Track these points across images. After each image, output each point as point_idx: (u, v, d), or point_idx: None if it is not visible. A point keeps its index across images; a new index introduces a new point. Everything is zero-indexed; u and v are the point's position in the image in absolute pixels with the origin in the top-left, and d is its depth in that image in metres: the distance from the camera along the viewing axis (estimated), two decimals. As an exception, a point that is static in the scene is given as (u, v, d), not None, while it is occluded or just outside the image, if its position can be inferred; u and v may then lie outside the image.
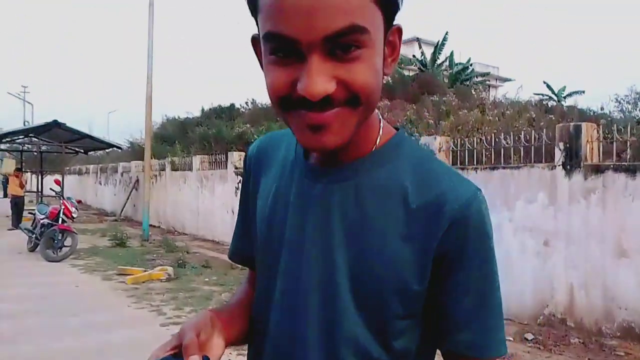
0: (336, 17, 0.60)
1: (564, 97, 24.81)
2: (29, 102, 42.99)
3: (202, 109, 23.27)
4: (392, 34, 0.70)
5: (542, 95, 24.07)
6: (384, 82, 0.74)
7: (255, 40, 0.72)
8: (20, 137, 17.72)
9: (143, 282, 7.32)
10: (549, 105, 18.57)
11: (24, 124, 32.56)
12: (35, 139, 17.82)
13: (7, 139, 17.58)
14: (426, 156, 0.77)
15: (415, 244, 0.71)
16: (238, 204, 0.96)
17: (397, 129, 0.80)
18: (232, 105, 22.12)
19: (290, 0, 0.59)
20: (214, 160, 12.77)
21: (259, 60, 0.72)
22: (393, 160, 0.75)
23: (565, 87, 25.68)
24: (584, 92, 25.63)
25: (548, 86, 25.27)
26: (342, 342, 0.72)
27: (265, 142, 0.90)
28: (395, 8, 0.68)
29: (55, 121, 14.75)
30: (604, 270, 4.92)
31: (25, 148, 20.02)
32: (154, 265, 8.45)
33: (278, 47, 0.63)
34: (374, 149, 0.75)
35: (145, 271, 7.80)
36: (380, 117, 0.78)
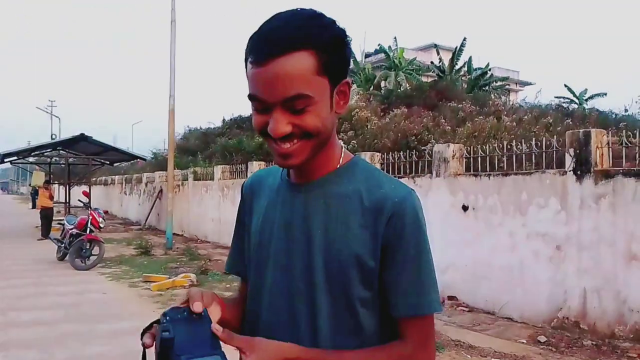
0: (287, 89, 0.89)
1: (586, 100, 24.56)
2: (56, 116, 44.32)
3: (224, 120, 23.69)
4: (342, 85, 0.98)
5: (563, 98, 23.88)
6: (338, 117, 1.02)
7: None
8: (49, 150, 18.32)
9: (167, 289, 7.59)
10: (570, 109, 18.45)
11: (52, 137, 33.46)
12: (63, 152, 18.42)
13: (36, 152, 18.20)
14: (375, 170, 1.07)
15: (369, 230, 0.97)
16: (235, 225, 1.19)
17: (355, 155, 1.10)
18: (252, 115, 22.41)
19: (260, 75, 0.91)
20: (235, 170, 13.07)
21: None
22: (350, 175, 1.03)
23: (586, 89, 25.46)
24: (605, 94, 25.35)
25: (569, 89, 25.06)
26: (320, 312, 0.97)
27: (257, 176, 1.20)
28: (339, 74, 0.95)
29: (82, 135, 15.26)
30: (616, 274, 4.99)
31: (53, 161, 20.64)
32: (178, 272, 8.73)
33: (256, 104, 0.94)
34: (337, 167, 1.04)
35: (169, 278, 8.08)
36: (343, 146, 1.07)
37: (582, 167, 5.34)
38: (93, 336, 5.31)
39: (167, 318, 0.87)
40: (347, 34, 0.96)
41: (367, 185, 1.01)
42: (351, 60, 1.01)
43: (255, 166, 11.65)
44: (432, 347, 1.00)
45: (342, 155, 1.05)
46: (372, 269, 0.97)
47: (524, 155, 6.26)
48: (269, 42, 0.89)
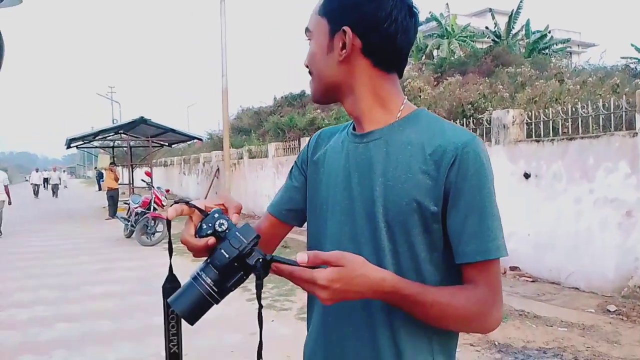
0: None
1: (656, 59, 22.95)
2: (116, 101, 45.91)
3: (275, 98, 23.85)
4: (340, 33, 1.02)
5: (630, 58, 22.41)
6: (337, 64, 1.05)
7: None
8: (111, 134, 19.04)
9: (228, 263, 7.80)
10: (638, 69, 17.32)
11: (113, 122, 34.79)
12: (125, 135, 19.06)
13: (100, 137, 18.97)
14: (438, 119, 1.06)
15: (431, 175, 0.97)
16: (290, 172, 1.25)
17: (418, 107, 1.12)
18: (303, 92, 22.49)
19: None
20: (288, 147, 13.18)
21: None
22: (413, 124, 1.04)
23: (656, 48, 23.75)
24: (678, 51, 23.56)
25: (637, 49, 23.44)
26: (385, 257, 0.99)
27: (325, 130, 1.26)
28: (336, 17, 1.02)
29: (141, 118, 15.72)
30: (694, 239, 4.69)
31: (116, 144, 21.48)
32: (237, 248, 8.94)
33: None
34: (396, 119, 1.05)
35: (229, 253, 8.29)
36: (406, 100, 1.08)
37: (655, 128, 5.01)
38: (160, 308, 5.52)
39: (216, 215, 0.94)
40: None
41: (430, 133, 1.01)
42: (364, 11, 1.00)
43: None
44: (501, 292, 0.99)
45: (403, 107, 1.07)
46: (434, 213, 0.97)
47: (590, 117, 5.94)
48: None
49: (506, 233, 0.99)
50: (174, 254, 1.04)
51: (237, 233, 0.90)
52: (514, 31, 21.99)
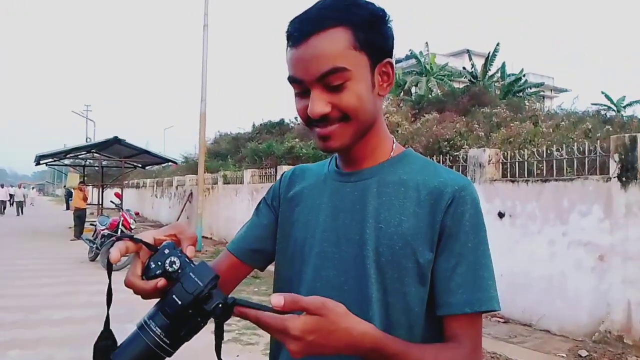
0: (323, 63, 0.87)
1: (624, 107, 23.84)
2: (91, 120, 45.28)
3: (254, 125, 23.88)
4: (384, 65, 0.94)
5: (600, 105, 23.22)
6: (385, 100, 1.01)
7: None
8: (83, 152, 18.67)
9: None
10: (607, 116, 17.90)
11: (87, 140, 34.22)
12: (97, 155, 18.71)
13: (72, 155, 18.58)
14: (430, 161, 1.02)
15: (426, 219, 0.90)
16: (256, 209, 1.14)
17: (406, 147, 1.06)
18: (282, 120, 22.57)
19: (296, 55, 0.89)
20: (264, 174, 13.08)
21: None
22: (405, 164, 0.98)
23: (624, 97, 24.70)
24: (645, 101, 24.51)
25: (606, 96, 24.34)
26: (371, 307, 0.89)
27: (301, 167, 1.16)
28: (379, 51, 0.92)
29: (115, 138, 15.49)
30: (664, 286, 4.73)
31: (87, 163, 21.07)
32: (207, 275, 8.71)
33: (296, 86, 0.92)
34: (388, 158, 0.99)
35: (198, 281, 8.05)
36: (394, 139, 1.03)
37: (628, 174, 5.09)
38: (123, 335, 5.27)
39: (167, 251, 0.81)
40: (387, 12, 0.93)
41: (424, 174, 0.96)
42: (394, 42, 0.96)
43: (284, 170, 11.61)
44: (481, 348, 0.92)
45: (394, 146, 1.02)
46: (429, 261, 0.90)
47: (564, 161, 6.03)
48: (303, 22, 0.89)
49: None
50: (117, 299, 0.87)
51: (191, 274, 0.77)
52: (490, 73, 22.55)
